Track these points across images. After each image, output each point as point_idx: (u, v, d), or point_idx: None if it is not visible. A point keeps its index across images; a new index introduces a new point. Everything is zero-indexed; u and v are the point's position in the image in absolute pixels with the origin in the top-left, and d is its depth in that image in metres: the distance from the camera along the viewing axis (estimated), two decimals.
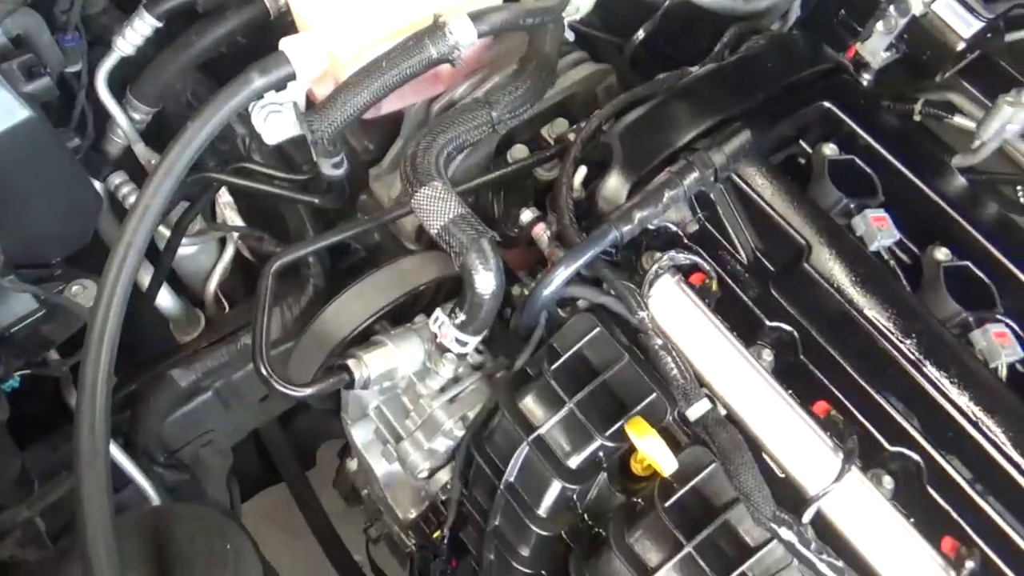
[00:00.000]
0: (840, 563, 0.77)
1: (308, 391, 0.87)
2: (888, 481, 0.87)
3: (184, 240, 1.29)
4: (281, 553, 1.47)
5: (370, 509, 1.41)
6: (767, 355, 0.92)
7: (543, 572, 0.92)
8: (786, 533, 0.77)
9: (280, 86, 0.96)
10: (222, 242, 1.40)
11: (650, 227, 0.95)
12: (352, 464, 1.31)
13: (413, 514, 1.13)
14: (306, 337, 0.98)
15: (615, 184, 0.97)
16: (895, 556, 0.80)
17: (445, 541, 1.02)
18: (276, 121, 0.98)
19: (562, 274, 0.89)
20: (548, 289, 0.90)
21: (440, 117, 0.99)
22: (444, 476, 1.03)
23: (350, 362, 0.92)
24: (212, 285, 1.39)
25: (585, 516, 0.91)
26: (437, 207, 0.89)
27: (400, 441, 0.97)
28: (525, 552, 0.92)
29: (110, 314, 0.83)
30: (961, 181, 1.10)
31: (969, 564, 0.78)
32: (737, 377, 0.87)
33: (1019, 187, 1.50)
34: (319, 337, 0.97)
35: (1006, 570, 0.82)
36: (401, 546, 1.27)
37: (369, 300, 0.97)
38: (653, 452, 0.81)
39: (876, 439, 0.89)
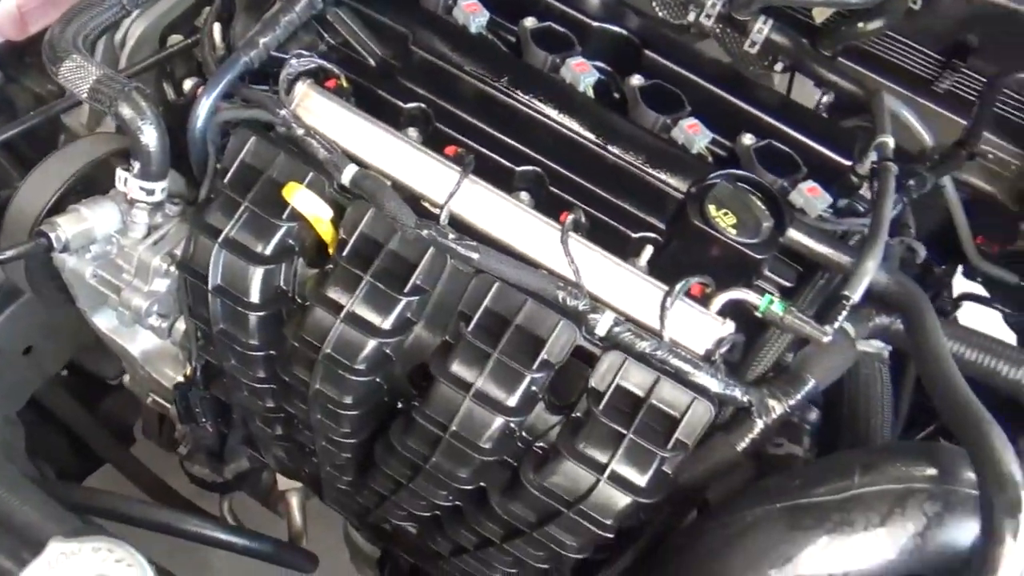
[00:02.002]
0: (475, 243, 0.98)
1: (6, 254, 0.97)
2: (525, 196, 1.09)
3: None
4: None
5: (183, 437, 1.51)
6: (412, 132, 1.11)
7: (272, 352, 1.08)
8: (427, 232, 0.97)
9: None
10: None
11: (286, 57, 1.12)
12: (126, 378, 1.40)
13: (181, 379, 1.24)
14: (3, 229, 1.07)
15: (241, 26, 1.13)
16: (520, 231, 1.02)
17: (198, 372, 1.15)
18: None
19: (205, 104, 1.04)
20: (198, 122, 1.04)
21: (72, 6, 1.10)
22: (183, 324, 1.16)
23: (44, 227, 1.02)
24: None
25: (296, 298, 1.07)
26: (81, 75, 1.01)
27: (120, 293, 1.08)
28: (254, 340, 1.06)
29: None
30: None
31: (570, 218, 1.01)
32: (379, 144, 1.06)
33: None
34: (14, 224, 1.06)
35: (607, 219, 1.06)
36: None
37: (51, 178, 1.07)
38: (307, 204, 0.98)
39: (506, 166, 1.10)
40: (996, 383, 0.98)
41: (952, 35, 1.67)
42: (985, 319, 1.56)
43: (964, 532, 0.80)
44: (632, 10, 1.34)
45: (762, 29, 1.54)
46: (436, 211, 1.03)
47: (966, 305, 1.66)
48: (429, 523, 1.16)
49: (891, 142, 1.23)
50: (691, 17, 1.64)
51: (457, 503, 1.07)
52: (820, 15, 1.67)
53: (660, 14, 1.72)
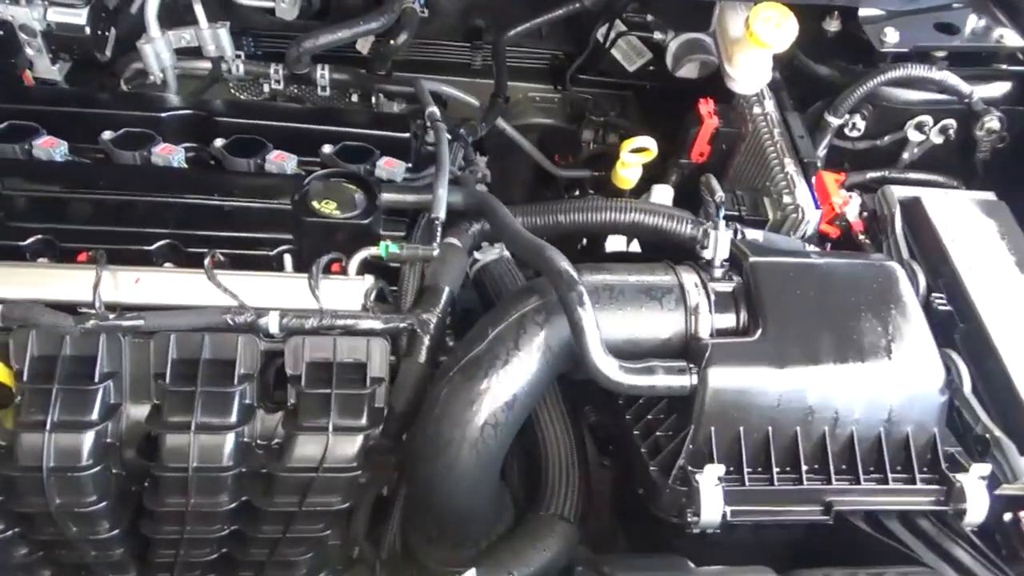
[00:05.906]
0: (135, 313, 1.12)
1: None
2: (169, 265, 1.24)
3: None
4: None
5: None
6: (43, 261, 1.22)
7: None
8: (91, 324, 1.09)
9: None
10: None
11: None
12: None
13: None
14: None
15: None
16: (175, 290, 1.18)
17: None
18: None
19: None
20: None
21: None
22: None
23: None
24: None
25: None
26: None
27: None
28: None
29: None
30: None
31: (206, 260, 1.19)
32: (10, 279, 1.15)
33: None
34: None
35: (245, 252, 1.26)
36: None
37: None
38: None
39: (141, 250, 1.25)
40: (562, 230, 1.35)
41: (465, 25, 2.13)
42: None
43: (567, 325, 1.11)
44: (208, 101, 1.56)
45: (324, 75, 1.85)
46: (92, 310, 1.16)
47: None
48: (224, 564, 1.25)
49: (436, 110, 1.57)
50: (266, 89, 1.91)
51: (234, 527, 1.19)
52: (364, 47, 2.03)
53: (242, 97, 1.97)
